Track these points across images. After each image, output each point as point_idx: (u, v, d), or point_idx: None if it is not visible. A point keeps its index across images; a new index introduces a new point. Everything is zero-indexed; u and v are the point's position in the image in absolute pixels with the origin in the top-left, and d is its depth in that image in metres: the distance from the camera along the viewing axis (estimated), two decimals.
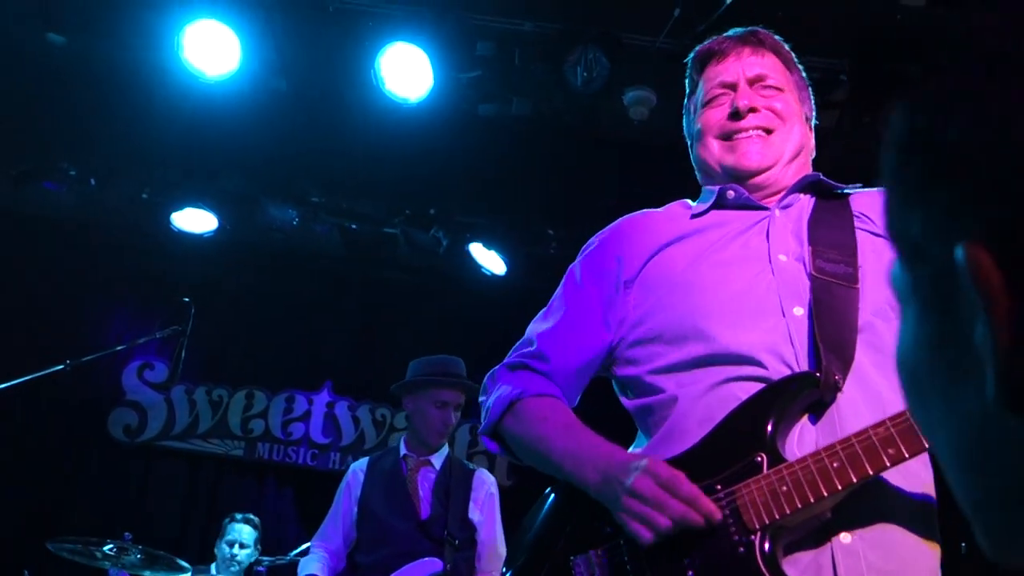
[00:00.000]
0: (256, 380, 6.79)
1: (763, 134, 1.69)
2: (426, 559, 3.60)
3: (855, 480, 1.35)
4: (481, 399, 1.75)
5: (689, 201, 1.81)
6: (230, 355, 6.89)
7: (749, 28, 1.80)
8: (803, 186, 1.71)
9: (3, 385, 3.49)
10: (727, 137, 1.71)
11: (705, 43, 1.81)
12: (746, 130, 1.69)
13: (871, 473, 1.34)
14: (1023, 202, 0.42)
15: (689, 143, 1.84)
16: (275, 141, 5.45)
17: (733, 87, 1.72)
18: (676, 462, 1.48)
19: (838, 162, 1.91)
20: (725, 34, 1.80)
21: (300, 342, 6.98)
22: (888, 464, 1.34)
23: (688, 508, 1.39)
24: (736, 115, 1.69)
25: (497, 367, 1.75)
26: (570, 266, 1.82)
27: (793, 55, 1.80)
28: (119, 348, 4.42)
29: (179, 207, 5.99)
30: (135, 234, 6.49)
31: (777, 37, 1.80)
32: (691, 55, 1.84)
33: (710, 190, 1.76)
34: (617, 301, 1.68)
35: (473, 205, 5.94)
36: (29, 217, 6.53)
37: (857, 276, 1.55)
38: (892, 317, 1.53)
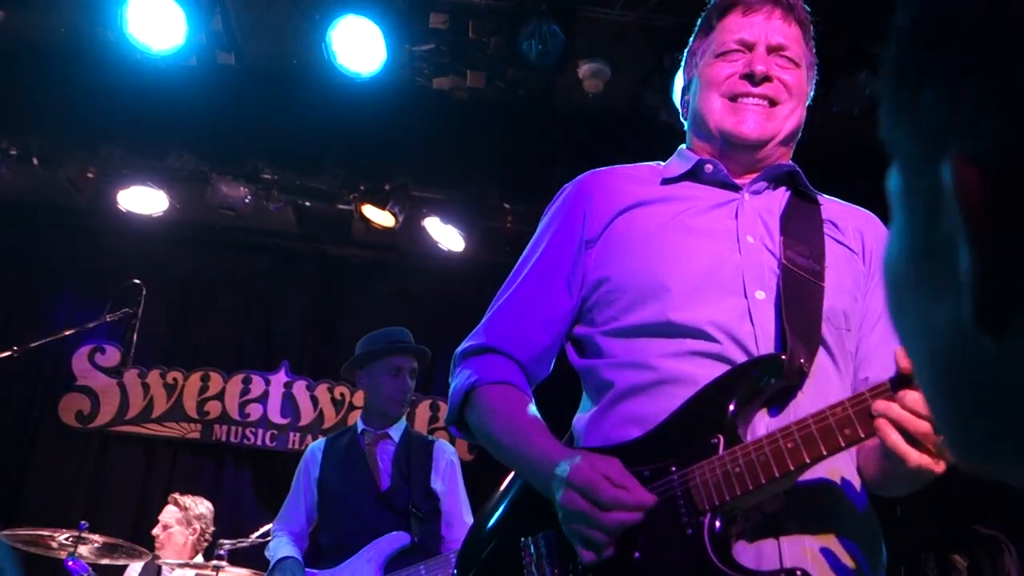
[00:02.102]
0: (211, 362, 6.69)
1: (767, 105, 1.62)
2: (393, 534, 3.54)
3: (808, 460, 1.32)
4: (450, 380, 1.72)
5: (660, 163, 1.76)
6: (184, 337, 6.78)
7: None
8: (778, 176, 1.67)
9: None
10: (733, 98, 1.63)
11: None
12: (755, 96, 1.62)
13: (825, 453, 1.32)
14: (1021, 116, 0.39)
15: (686, 85, 1.76)
16: (225, 117, 5.34)
17: (751, 48, 1.64)
18: (633, 445, 1.47)
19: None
20: None
21: (255, 322, 6.90)
22: (843, 444, 1.31)
23: (618, 513, 1.35)
24: (750, 78, 1.61)
25: (461, 347, 1.72)
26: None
27: (812, 30, 1.72)
28: (68, 332, 4.31)
29: (126, 186, 5.85)
30: (81, 215, 6.33)
31: (807, 8, 1.71)
32: None
33: (688, 156, 1.71)
34: (579, 261, 1.66)
35: (429, 180, 5.88)
36: None
37: (823, 276, 1.54)
38: (843, 326, 1.54)
